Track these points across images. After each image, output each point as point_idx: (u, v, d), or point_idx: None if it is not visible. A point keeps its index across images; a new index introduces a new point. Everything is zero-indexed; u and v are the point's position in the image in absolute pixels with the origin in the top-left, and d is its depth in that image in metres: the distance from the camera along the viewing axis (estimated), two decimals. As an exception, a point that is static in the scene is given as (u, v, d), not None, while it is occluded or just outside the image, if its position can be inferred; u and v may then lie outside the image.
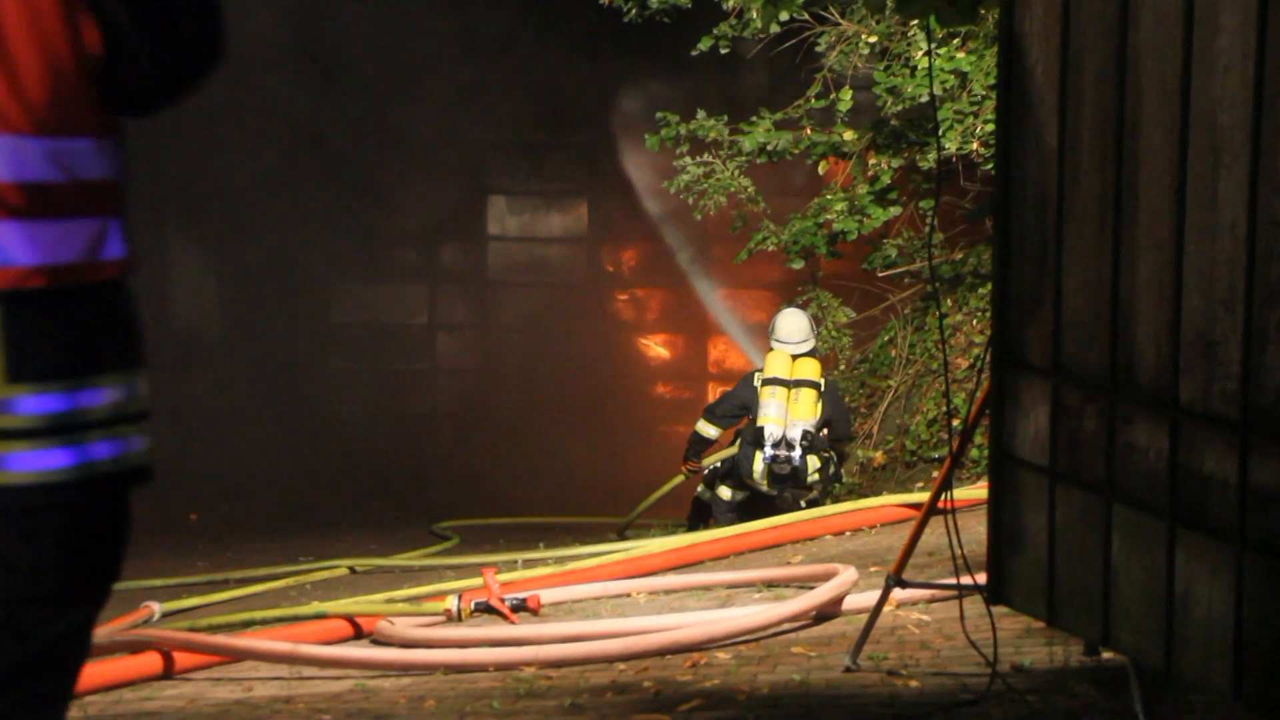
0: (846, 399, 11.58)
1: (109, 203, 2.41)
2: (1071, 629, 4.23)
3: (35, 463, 2.34)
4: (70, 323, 2.33)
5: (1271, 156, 3.35)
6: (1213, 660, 3.57)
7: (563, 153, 18.40)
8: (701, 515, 10.71)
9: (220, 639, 6.35)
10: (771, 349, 10.33)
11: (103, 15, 2.34)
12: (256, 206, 16.95)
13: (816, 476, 10.02)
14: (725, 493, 10.43)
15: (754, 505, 10.19)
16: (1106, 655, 4.78)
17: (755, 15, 11.69)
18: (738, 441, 10.32)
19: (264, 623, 6.97)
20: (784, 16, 9.34)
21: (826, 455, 10.10)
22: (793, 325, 10.38)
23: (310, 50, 17.40)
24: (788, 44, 12.54)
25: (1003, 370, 4.25)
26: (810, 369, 10.19)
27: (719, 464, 10.52)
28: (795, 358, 10.23)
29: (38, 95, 2.31)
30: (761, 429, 9.98)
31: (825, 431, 10.16)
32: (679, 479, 11.23)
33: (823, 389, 10.18)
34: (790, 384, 10.11)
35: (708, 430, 10.53)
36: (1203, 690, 4.06)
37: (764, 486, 10.02)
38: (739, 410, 10.35)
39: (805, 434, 9.96)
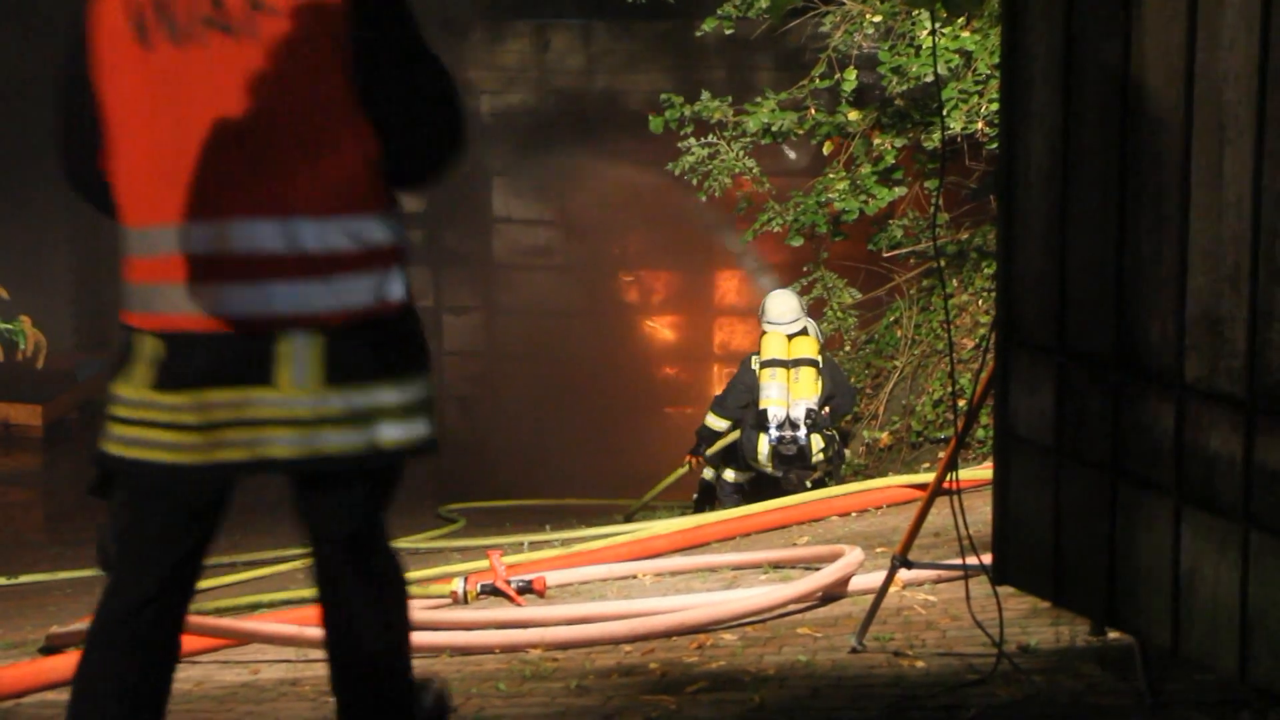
0: (852, 379, 11.57)
1: (390, 260, 3.37)
2: (1077, 609, 4.23)
3: (343, 441, 3.31)
4: (365, 345, 3.34)
5: (1277, 133, 3.33)
6: (1219, 640, 3.57)
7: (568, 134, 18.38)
8: (708, 498, 10.71)
9: (227, 622, 6.36)
10: (765, 332, 10.31)
11: (380, 130, 3.29)
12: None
13: (821, 456, 10.01)
14: (730, 475, 10.43)
15: (759, 487, 10.19)
16: (1112, 635, 4.77)
17: (762, 1, 11.66)
18: (739, 426, 10.30)
19: (271, 606, 6.98)
20: (791, 5, 9.33)
21: (829, 434, 10.09)
22: (783, 305, 10.35)
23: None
24: (792, 24, 12.52)
25: (1007, 350, 4.24)
26: (807, 347, 10.17)
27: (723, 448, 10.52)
28: (790, 337, 10.20)
29: (335, 188, 3.28)
30: (764, 411, 9.97)
31: (827, 410, 10.14)
32: (682, 470, 11.21)
33: (821, 365, 10.16)
34: (789, 364, 10.09)
35: (717, 424, 10.48)
36: (1209, 670, 4.05)
37: (769, 469, 10.01)
38: (746, 396, 10.30)
39: (809, 412, 9.95)
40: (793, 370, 10.07)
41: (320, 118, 3.26)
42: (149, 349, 3.35)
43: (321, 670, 5.74)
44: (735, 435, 10.40)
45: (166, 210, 3.30)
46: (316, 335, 3.29)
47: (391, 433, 3.36)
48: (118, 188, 3.37)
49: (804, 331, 10.31)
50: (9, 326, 6.83)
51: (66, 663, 5.84)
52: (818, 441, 9.96)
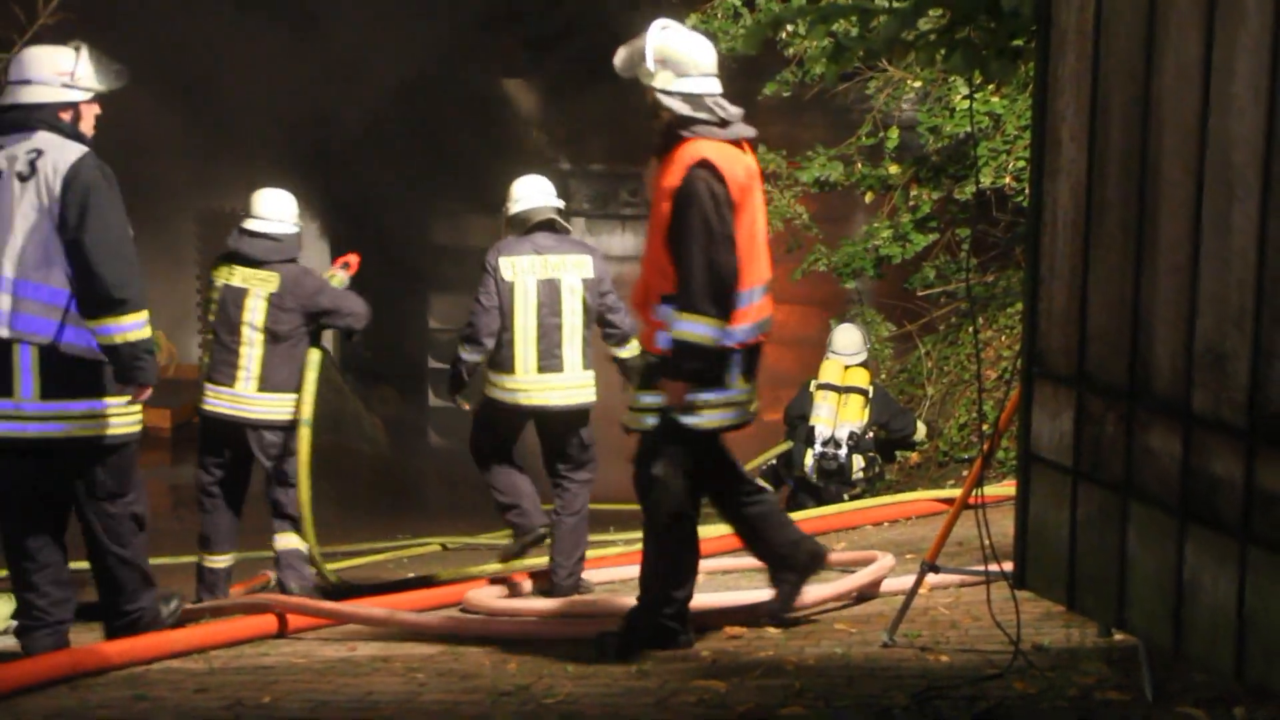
0: (889, 403, 11.51)
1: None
2: (1089, 613, 4.19)
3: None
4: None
5: (1280, 191, 3.31)
6: (1217, 644, 3.53)
7: (632, 181, 18.50)
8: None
9: (327, 604, 6.39)
10: (827, 358, 10.30)
11: None
12: (371, 220, 17.11)
13: (861, 475, 9.97)
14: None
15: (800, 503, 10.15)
16: (1119, 637, 4.73)
17: (818, 67, 11.66)
18: (792, 438, 10.28)
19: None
20: (846, 69, 9.32)
21: (871, 455, 10.05)
22: (847, 339, 10.34)
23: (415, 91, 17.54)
24: (842, 87, 12.52)
25: (1032, 379, 4.22)
26: (860, 377, 10.15)
27: (775, 459, 10.49)
28: (847, 367, 10.19)
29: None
30: (813, 428, 9.96)
31: (871, 434, 10.09)
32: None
33: (871, 396, 10.12)
34: (841, 389, 10.07)
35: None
36: (1207, 671, 4.00)
37: (813, 479, 9.99)
38: (795, 421, 10.27)
39: (851, 434, 9.92)
40: (843, 396, 10.05)
41: None
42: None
43: (410, 648, 5.78)
44: (783, 448, 10.39)
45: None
46: None
47: (715, 418, 5.52)
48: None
49: (863, 365, 10.28)
50: (146, 338, 6.91)
51: (187, 635, 5.91)
52: (858, 461, 9.93)
